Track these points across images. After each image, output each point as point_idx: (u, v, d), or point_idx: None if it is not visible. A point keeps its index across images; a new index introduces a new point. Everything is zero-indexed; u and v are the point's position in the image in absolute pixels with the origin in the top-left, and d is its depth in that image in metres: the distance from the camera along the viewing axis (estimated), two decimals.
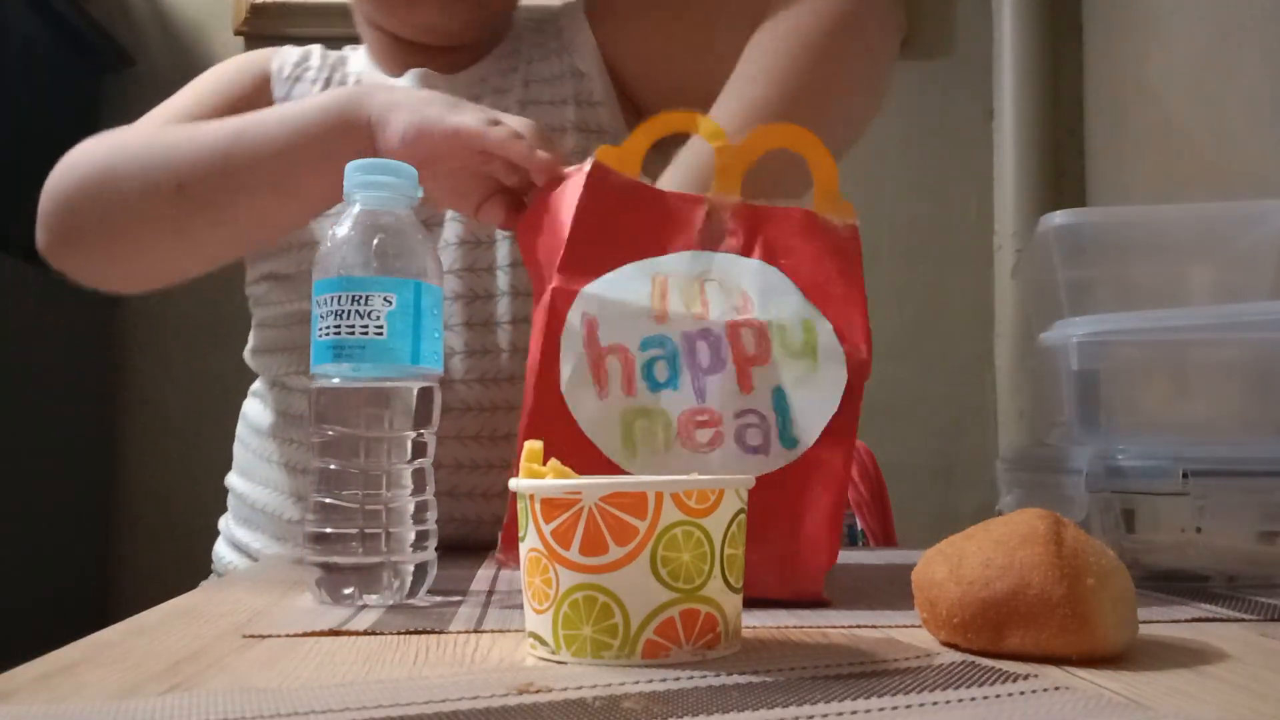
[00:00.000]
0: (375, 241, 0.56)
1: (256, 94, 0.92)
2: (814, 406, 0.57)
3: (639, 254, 0.60)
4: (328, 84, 0.94)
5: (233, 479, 0.98)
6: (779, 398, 0.57)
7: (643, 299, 0.58)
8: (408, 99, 0.69)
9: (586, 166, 0.62)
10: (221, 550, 0.97)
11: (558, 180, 0.64)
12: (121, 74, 1.65)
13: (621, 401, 0.57)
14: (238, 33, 1.69)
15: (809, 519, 0.56)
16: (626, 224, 0.61)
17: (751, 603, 0.53)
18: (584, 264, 0.59)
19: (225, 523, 0.98)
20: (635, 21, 0.91)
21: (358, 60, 0.98)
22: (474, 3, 0.89)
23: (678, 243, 0.61)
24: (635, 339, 0.57)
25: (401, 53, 0.93)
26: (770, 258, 0.61)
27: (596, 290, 0.58)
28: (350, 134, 0.70)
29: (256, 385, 0.98)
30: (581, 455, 0.55)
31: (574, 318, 0.57)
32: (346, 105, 0.71)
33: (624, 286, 0.59)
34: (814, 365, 0.58)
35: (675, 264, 0.60)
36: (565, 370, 0.57)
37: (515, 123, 0.65)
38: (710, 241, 0.61)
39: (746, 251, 0.61)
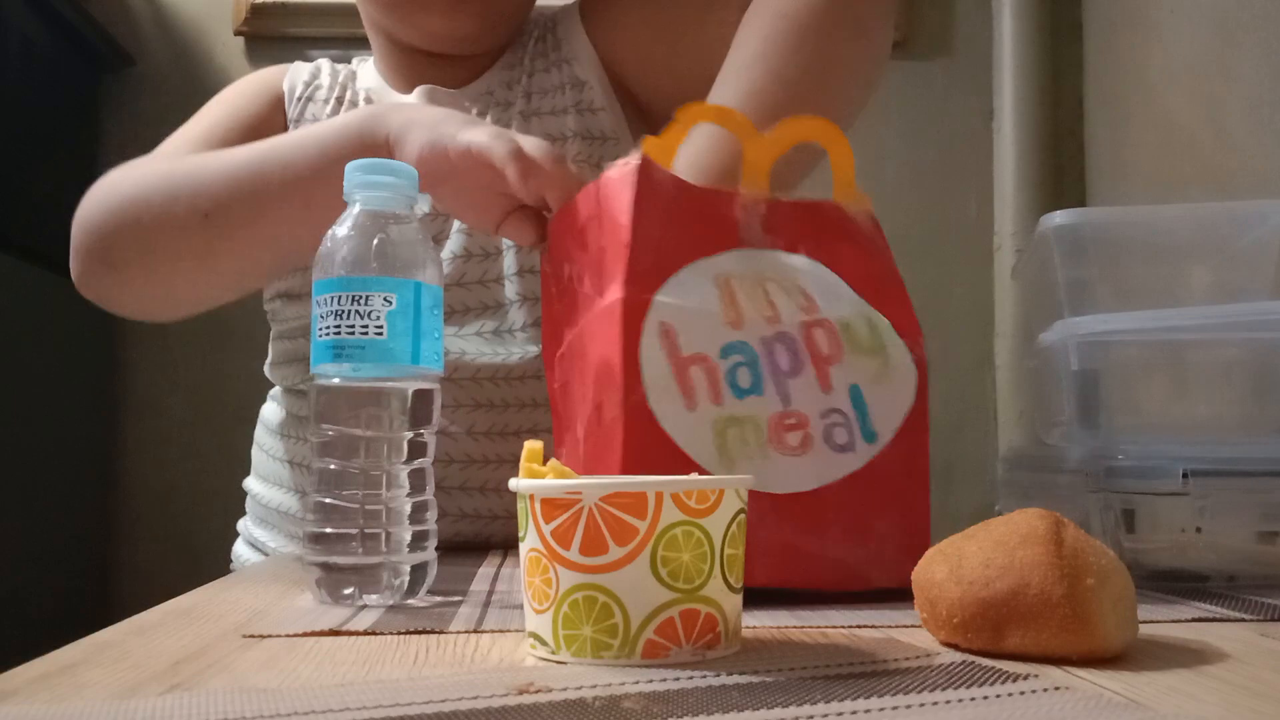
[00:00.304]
0: (375, 241, 0.56)
1: (271, 114, 0.93)
2: (889, 401, 0.59)
3: (692, 254, 0.59)
4: (339, 103, 0.95)
5: (250, 482, 1.00)
6: (855, 395, 0.58)
7: (714, 304, 0.58)
8: (424, 117, 0.70)
9: (634, 161, 0.60)
10: (240, 550, 0.99)
11: (568, 198, 0.63)
12: (121, 74, 1.65)
13: (711, 411, 0.56)
14: (238, 33, 1.69)
15: (905, 510, 0.58)
16: (677, 223, 0.60)
17: (763, 602, 0.53)
18: (648, 270, 0.57)
19: (244, 524, 1.00)
20: (628, 20, 0.92)
21: (366, 75, 0.98)
22: (480, 10, 0.89)
23: (724, 240, 0.60)
24: (715, 347, 0.57)
25: (409, 63, 0.94)
26: (815, 254, 0.61)
27: (668, 298, 0.57)
28: (369, 153, 0.71)
29: (274, 390, 0.99)
30: (676, 467, 0.54)
31: (651, 328, 0.56)
32: (365, 124, 0.72)
33: (692, 292, 0.57)
34: (885, 361, 0.59)
35: (731, 264, 0.59)
36: (650, 385, 0.55)
37: (526, 143, 0.65)
38: (752, 238, 0.61)
39: (791, 248, 0.61)
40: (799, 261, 0.61)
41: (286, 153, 0.75)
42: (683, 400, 0.56)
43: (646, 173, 0.59)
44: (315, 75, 0.97)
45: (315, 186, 0.72)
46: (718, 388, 0.56)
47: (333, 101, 0.95)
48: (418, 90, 0.92)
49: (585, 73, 0.92)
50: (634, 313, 0.56)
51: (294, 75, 0.97)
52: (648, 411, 0.55)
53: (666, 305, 0.56)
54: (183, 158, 0.82)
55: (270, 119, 0.93)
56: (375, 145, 0.71)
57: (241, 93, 0.95)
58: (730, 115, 0.64)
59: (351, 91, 0.96)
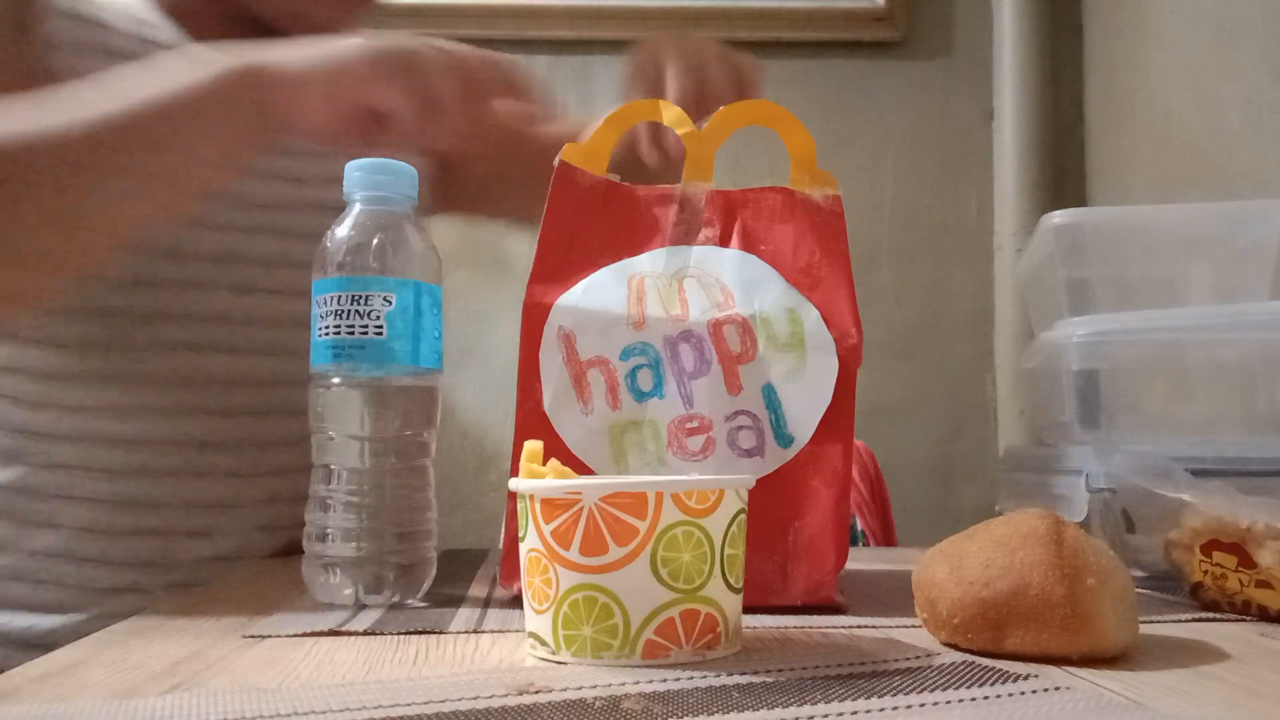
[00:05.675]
0: (375, 241, 0.56)
1: (15, 22, 0.73)
2: (807, 400, 0.55)
3: (612, 256, 0.59)
4: (134, 59, 0.70)
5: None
6: (769, 395, 0.56)
7: (619, 305, 0.57)
8: (309, 55, 0.61)
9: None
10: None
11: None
12: None
13: (608, 416, 0.56)
14: None
15: (812, 519, 0.55)
16: (597, 226, 0.59)
17: (761, 607, 0.53)
18: (556, 272, 0.58)
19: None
20: None
21: (145, 11, 0.80)
22: (364, 13, 0.83)
23: (653, 240, 0.59)
24: (615, 349, 0.56)
25: (220, 24, 0.79)
26: (749, 245, 0.59)
27: (571, 301, 0.57)
28: (233, 107, 0.60)
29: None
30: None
31: (550, 333, 0.56)
32: (249, 80, 0.60)
33: (599, 294, 0.57)
34: (803, 357, 0.56)
35: (651, 263, 0.59)
36: (547, 389, 0.56)
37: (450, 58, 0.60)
38: (686, 235, 0.60)
39: (724, 241, 0.59)
40: (728, 255, 0.59)
41: (143, 115, 0.60)
42: (579, 405, 0.56)
43: (564, 175, 0.60)
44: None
45: (188, 156, 0.62)
46: (616, 392, 0.56)
47: (121, 55, 0.74)
48: None
49: None
50: (534, 316, 0.56)
51: None
52: (543, 416, 0.56)
53: (567, 309, 0.57)
54: None
55: (9, 34, 0.73)
56: (237, 99, 0.60)
57: None
58: (664, 108, 0.63)
59: (141, 39, 0.78)
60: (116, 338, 0.75)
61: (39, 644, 0.72)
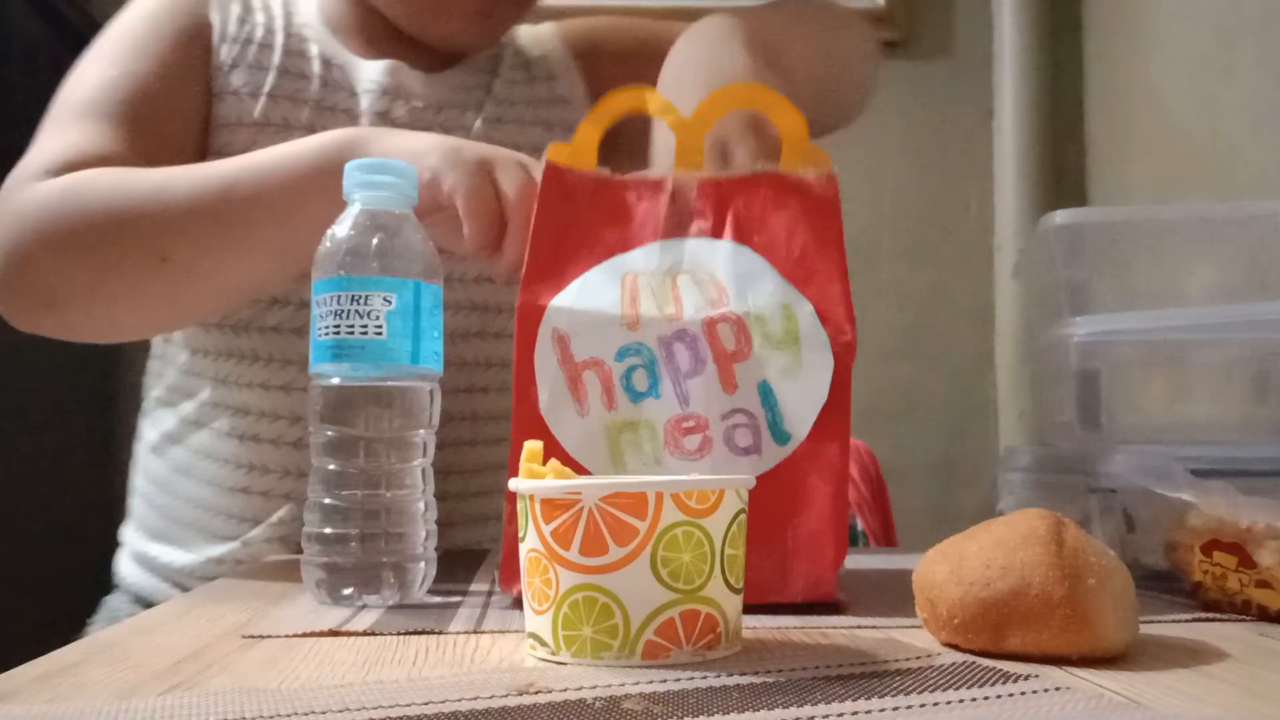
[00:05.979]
0: (375, 241, 0.56)
1: (197, 56, 0.84)
2: (803, 397, 0.55)
3: (605, 252, 0.58)
4: (284, 72, 0.85)
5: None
6: (765, 393, 0.55)
7: (613, 305, 0.56)
8: (409, 148, 0.66)
9: (541, 165, 0.60)
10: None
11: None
12: None
13: (604, 417, 0.55)
14: None
15: (810, 515, 0.54)
16: (589, 222, 0.59)
17: (761, 607, 0.52)
18: (549, 274, 0.58)
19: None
20: (629, 80, 0.94)
21: (310, 24, 0.89)
22: (499, 24, 0.89)
23: (645, 232, 0.59)
24: (610, 350, 0.56)
25: (379, 34, 0.89)
26: (742, 236, 0.58)
27: (565, 303, 0.56)
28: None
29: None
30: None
31: (545, 335, 0.56)
32: (347, 152, 0.66)
33: (593, 294, 0.57)
34: (798, 354, 0.55)
35: (644, 260, 0.58)
36: (543, 392, 0.56)
37: (505, 177, 0.63)
38: (679, 226, 0.59)
39: (717, 232, 0.59)
40: (722, 247, 0.58)
41: (254, 185, 0.68)
42: (575, 407, 0.56)
43: (552, 176, 0.60)
44: (248, 12, 0.87)
45: (290, 224, 0.68)
46: (611, 392, 0.56)
47: (275, 68, 0.85)
48: (385, 66, 0.87)
49: (570, 92, 0.93)
50: (528, 318, 0.56)
51: (223, 8, 0.86)
52: (539, 419, 0.55)
53: (560, 310, 0.56)
54: (126, 178, 0.71)
55: (195, 62, 0.83)
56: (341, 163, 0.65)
57: (158, 30, 0.83)
58: (648, 98, 0.62)
59: (298, 53, 0.86)
60: (236, 320, 0.82)
61: (170, 577, 0.85)
